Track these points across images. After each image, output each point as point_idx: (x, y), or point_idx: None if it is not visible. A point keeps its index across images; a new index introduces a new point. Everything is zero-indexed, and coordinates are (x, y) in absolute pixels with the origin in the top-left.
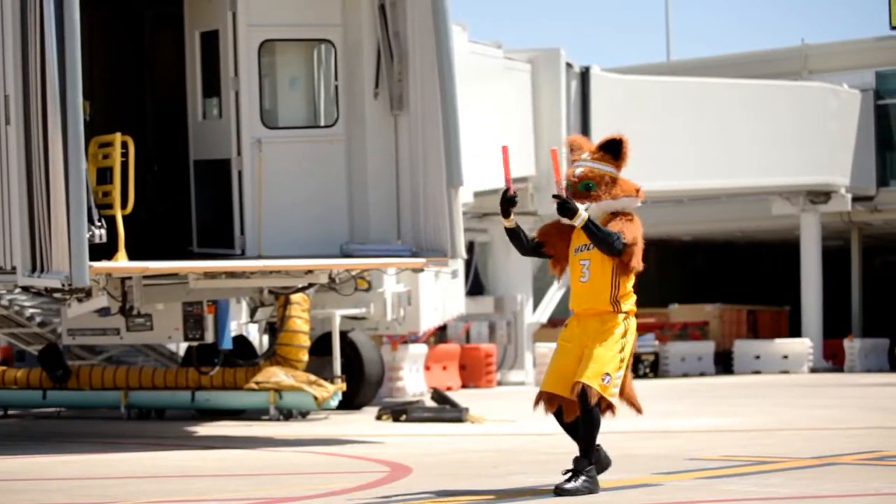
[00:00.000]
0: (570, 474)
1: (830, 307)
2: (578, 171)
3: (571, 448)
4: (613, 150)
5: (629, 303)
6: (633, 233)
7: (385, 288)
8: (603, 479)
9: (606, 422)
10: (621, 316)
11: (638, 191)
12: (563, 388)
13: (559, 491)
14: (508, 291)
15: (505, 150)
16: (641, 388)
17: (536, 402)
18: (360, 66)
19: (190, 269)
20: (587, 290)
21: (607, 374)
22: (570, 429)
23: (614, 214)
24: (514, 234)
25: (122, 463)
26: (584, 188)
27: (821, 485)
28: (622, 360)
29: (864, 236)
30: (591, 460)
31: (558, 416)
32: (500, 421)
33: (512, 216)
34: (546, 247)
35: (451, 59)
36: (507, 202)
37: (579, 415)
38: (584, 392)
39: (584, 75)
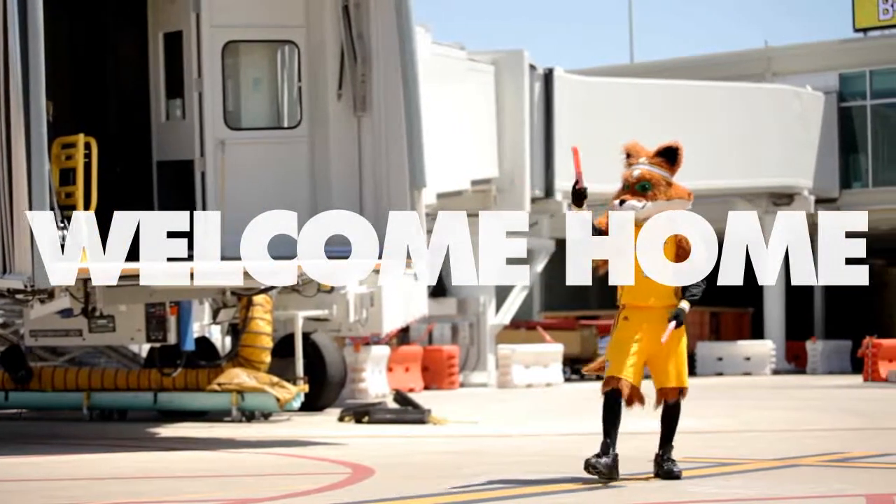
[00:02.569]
0: (671, 460)
1: (793, 309)
2: (636, 172)
3: (534, 450)
4: (670, 156)
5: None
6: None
7: (348, 289)
8: (566, 481)
9: (570, 424)
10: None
11: (689, 195)
12: (636, 378)
13: (672, 475)
14: (471, 293)
15: (575, 150)
16: None
17: (606, 387)
18: (324, 68)
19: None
20: (653, 284)
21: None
22: (617, 414)
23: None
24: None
25: (85, 464)
26: (640, 188)
27: (783, 486)
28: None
29: None
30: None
31: (618, 400)
32: (462, 422)
33: (584, 206)
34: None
35: (415, 60)
36: (578, 195)
37: (670, 411)
38: (668, 396)
39: (548, 77)
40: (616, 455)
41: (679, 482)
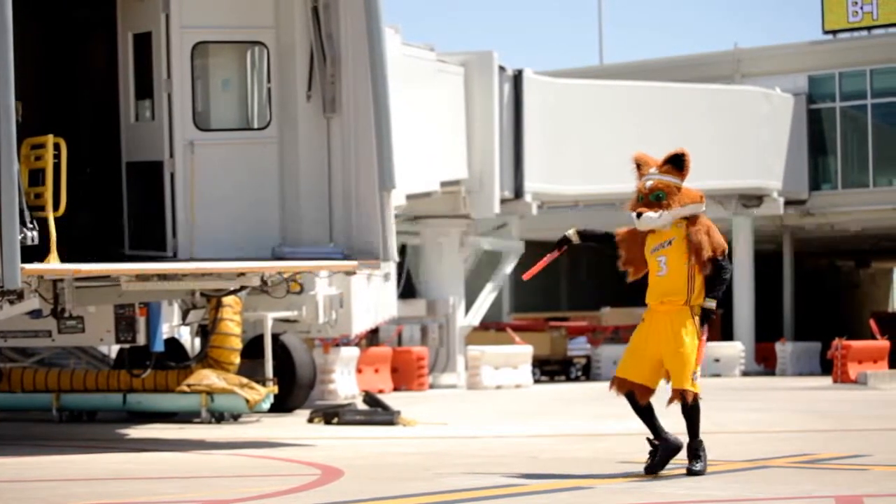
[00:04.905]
0: (694, 458)
1: (763, 311)
2: (649, 183)
3: (504, 451)
4: (677, 162)
5: (700, 296)
6: (717, 243)
7: (317, 291)
8: (534, 482)
9: (538, 424)
10: (692, 310)
11: (701, 197)
12: (636, 375)
13: (692, 472)
14: (440, 294)
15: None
16: (574, 391)
17: (612, 386)
18: (293, 69)
19: (122, 272)
20: (665, 283)
21: (694, 372)
22: (641, 411)
23: (689, 223)
24: (585, 238)
25: (54, 465)
26: (654, 198)
27: (753, 488)
28: (698, 351)
29: (797, 240)
30: (702, 441)
31: (630, 397)
32: (431, 424)
33: (573, 238)
34: (620, 248)
35: (384, 61)
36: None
37: (683, 410)
38: (684, 397)
39: (517, 78)
40: (661, 443)
41: (650, 483)
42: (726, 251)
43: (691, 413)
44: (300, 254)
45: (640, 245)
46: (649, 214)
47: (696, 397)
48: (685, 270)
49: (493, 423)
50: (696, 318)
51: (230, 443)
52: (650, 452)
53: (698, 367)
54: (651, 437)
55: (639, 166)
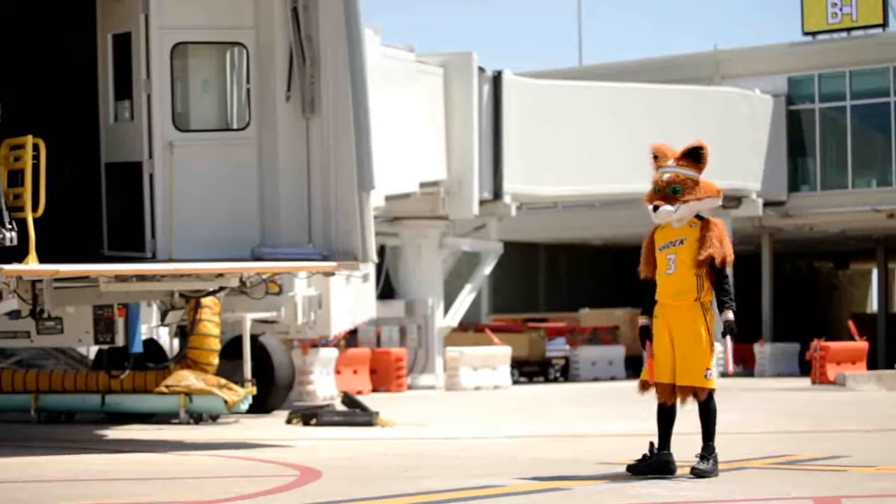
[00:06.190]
0: (701, 458)
1: (741, 312)
2: (666, 176)
3: (482, 452)
4: (694, 155)
5: (709, 293)
6: (727, 253)
7: (296, 291)
8: (513, 483)
9: (518, 426)
10: (703, 306)
11: (719, 192)
12: (666, 376)
13: (696, 472)
14: (419, 295)
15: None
16: (552, 392)
17: (642, 390)
18: (273, 69)
19: (101, 272)
20: (674, 282)
21: (707, 368)
22: (664, 414)
23: (703, 226)
24: (648, 308)
25: (33, 466)
26: (672, 191)
27: (731, 489)
28: (711, 346)
29: (775, 241)
30: (714, 445)
31: (659, 404)
32: (410, 425)
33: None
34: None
35: (364, 62)
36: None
37: (699, 408)
38: (696, 394)
39: (497, 79)
40: (659, 454)
41: (629, 484)
42: (731, 261)
43: (707, 413)
44: (279, 255)
45: (653, 246)
46: (666, 208)
47: (710, 394)
48: (694, 270)
49: (472, 424)
50: (709, 315)
51: (209, 444)
52: (644, 455)
53: (713, 365)
54: (655, 442)
55: (656, 157)
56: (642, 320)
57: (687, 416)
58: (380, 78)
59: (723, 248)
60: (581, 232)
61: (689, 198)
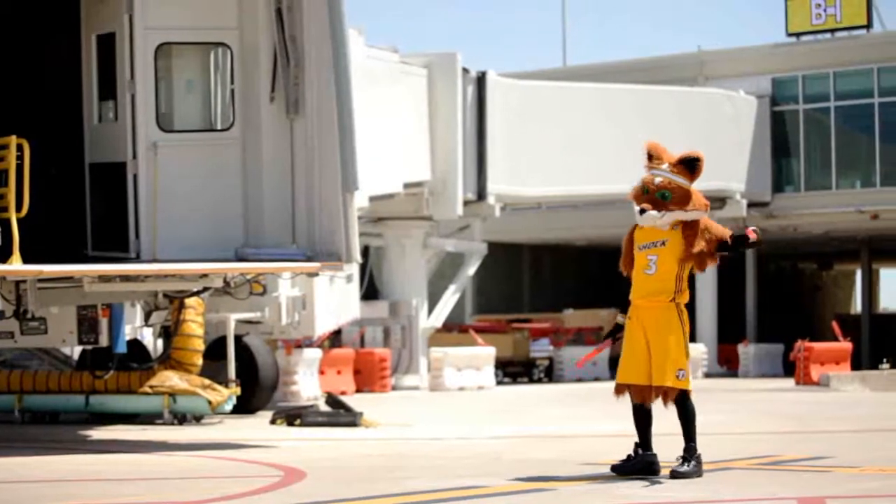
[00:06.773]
0: (682, 460)
1: (725, 313)
2: (658, 180)
3: (466, 453)
4: (690, 165)
5: (685, 295)
6: (718, 237)
7: (280, 292)
8: (498, 484)
9: (502, 427)
10: (678, 307)
11: (707, 206)
12: (637, 377)
13: (675, 474)
14: (403, 296)
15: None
16: (536, 392)
17: (617, 393)
18: (257, 70)
19: (84, 273)
20: (653, 282)
21: (680, 369)
22: (640, 416)
23: (685, 227)
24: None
25: (17, 467)
26: (661, 196)
27: (716, 489)
28: (686, 347)
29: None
30: (696, 446)
31: (638, 405)
32: (394, 425)
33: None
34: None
35: (348, 63)
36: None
37: (678, 413)
38: (667, 395)
39: (481, 80)
40: (643, 455)
41: (613, 485)
42: (729, 235)
43: (686, 414)
44: (263, 255)
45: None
46: (652, 213)
47: (686, 395)
48: (675, 271)
49: (457, 425)
50: (683, 316)
51: (193, 444)
52: (628, 455)
53: (686, 365)
54: (638, 443)
55: (650, 157)
56: (620, 318)
57: (669, 417)
58: (364, 79)
59: (712, 234)
60: (565, 233)
61: (677, 208)
